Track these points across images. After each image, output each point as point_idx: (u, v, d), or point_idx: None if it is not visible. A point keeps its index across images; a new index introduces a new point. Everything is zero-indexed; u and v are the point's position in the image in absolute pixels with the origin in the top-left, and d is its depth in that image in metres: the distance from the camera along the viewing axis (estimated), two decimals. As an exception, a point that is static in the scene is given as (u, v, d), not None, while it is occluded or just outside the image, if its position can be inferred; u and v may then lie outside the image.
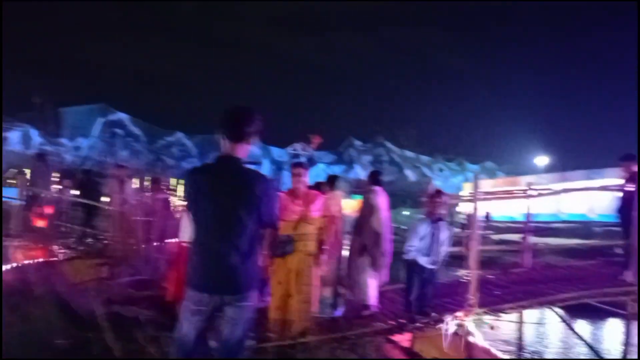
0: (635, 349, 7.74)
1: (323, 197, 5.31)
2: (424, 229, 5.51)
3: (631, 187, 7.08)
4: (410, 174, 56.68)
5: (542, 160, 43.68)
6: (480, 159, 66.67)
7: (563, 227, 19.84)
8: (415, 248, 5.51)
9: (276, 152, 57.21)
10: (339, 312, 6.07)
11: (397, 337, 6.85)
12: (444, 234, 5.61)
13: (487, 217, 30.04)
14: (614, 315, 9.31)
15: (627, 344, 6.34)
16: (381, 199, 6.09)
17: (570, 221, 23.56)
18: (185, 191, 3.12)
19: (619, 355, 6.90)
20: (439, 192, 5.84)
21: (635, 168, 7.17)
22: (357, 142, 61.29)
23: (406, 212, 34.29)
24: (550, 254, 15.88)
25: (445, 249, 5.65)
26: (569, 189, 23.93)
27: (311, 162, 7.43)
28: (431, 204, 5.60)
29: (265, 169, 49.66)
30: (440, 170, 62.32)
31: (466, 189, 38.96)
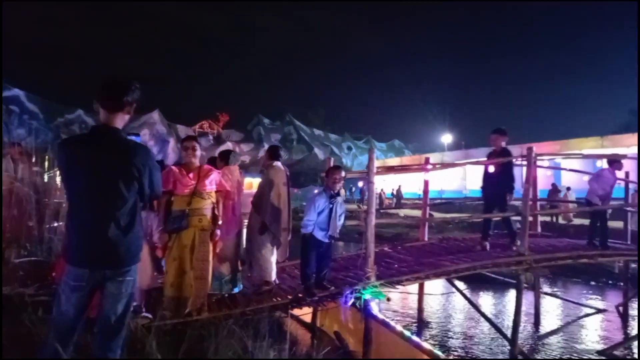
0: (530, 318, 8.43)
1: (217, 171, 5.13)
2: (322, 203, 5.51)
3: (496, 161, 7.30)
4: (320, 153, 57.18)
5: (447, 138, 46.22)
6: (388, 137, 69.10)
7: (467, 204, 20.88)
8: (313, 222, 5.49)
9: (182, 130, 55.30)
10: (238, 289, 5.95)
11: (297, 312, 6.92)
12: (341, 209, 5.65)
13: (398, 193, 31.32)
14: (509, 285, 10.09)
15: (517, 312, 6.77)
16: (280, 174, 6.00)
17: (473, 197, 24.86)
18: (58, 164, 2.93)
19: (509, 322, 7.38)
20: (337, 168, 5.84)
21: (503, 143, 7.42)
22: (266, 120, 60.64)
23: (316, 191, 34.69)
24: (455, 229, 16.94)
25: (340, 223, 5.69)
26: (449, 163, 25.46)
27: (218, 140, 7.21)
28: (330, 180, 5.59)
29: (171, 147, 47.94)
30: (349, 148, 63.59)
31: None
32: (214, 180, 4.95)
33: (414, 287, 8.84)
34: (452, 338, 8.10)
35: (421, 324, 8.67)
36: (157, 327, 4.58)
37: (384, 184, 32.47)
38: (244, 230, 6.22)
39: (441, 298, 10.18)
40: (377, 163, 6.59)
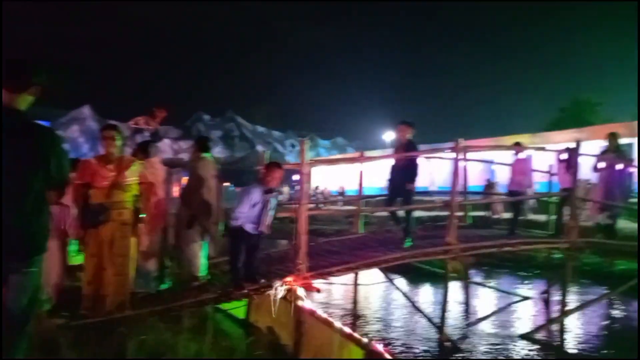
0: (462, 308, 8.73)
1: (139, 163, 4.97)
2: (257, 197, 5.42)
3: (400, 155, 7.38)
4: (262, 150, 56.98)
5: (389, 135, 47.14)
6: (331, 134, 69.72)
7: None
8: (244, 215, 5.41)
9: (117, 126, 53.42)
10: (166, 285, 5.82)
11: (229, 307, 6.84)
12: (273, 204, 5.60)
13: (342, 191, 31.73)
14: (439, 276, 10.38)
15: (444, 300, 6.99)
16: (209, 167, 5.91)
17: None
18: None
19: (437, 310, 7.54)
20: (276, 165, 5.79)
21: (409, 135, 7.43)
22: (206, 117, 59.71)
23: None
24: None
25: (270, 220, 5.63)
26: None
27: (155, 137, 6.99)
28: (268, 176, 5.52)
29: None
30: (293, 145, 63.67)
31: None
32: (136, 172, 4.79)
33: (348, 279, 9.00)
34: (386, 328, 8.27)
35: (356, 316, 8.79)
36: (75, 327, 4.42)
37: (329, 182, 32.83)
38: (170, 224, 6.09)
39: (378, 291, 10.37)
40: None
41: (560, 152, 8.77)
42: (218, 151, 58.06)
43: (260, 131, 62.40)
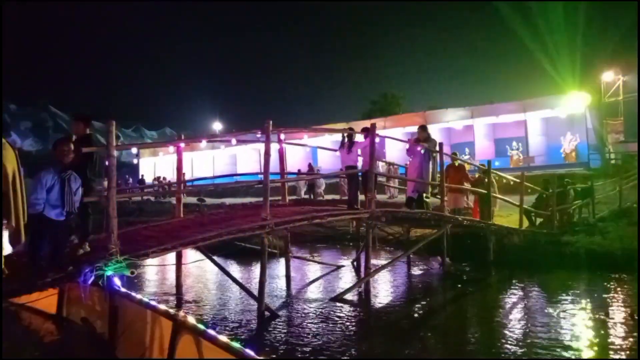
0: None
1: None
2: (49, 179, 5.11)
3: None
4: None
5: (217, 125, 47.02)
6: (159, 125, 66.69)
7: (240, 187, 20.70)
8: (42, 200, 5.07)
9: None
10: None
11: (39, 304, 6.35)
12: (75, 184, 5.33)
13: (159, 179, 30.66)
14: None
15: (262, 272, 7.32)
16: (8, 154, 5.39)
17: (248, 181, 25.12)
18: None
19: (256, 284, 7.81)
20: (64, 140, 5.51)
21: (87, 130, 6.44)
22: (12, 106, 52.83)
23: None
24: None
25: (77, 199, 5.38)
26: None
27: None
28: (59, 153, 5.24)
29: None
30: (117, 137, 59.45)
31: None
32: None
33: (167, 260, 8.97)
34: (205, 304, 8.41)
35: (180, 297, 8.77)
36: None
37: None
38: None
39: (199, 271, 10.48)
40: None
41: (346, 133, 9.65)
42: (29, 144, 51.90)
43: (78, 121, 57.17)
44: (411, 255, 11.10)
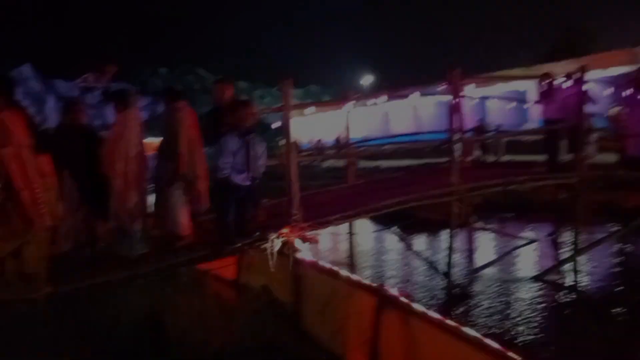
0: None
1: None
2: (233, 143, 5.35)
3: None
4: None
5: (367, 80, 46.25)
6: (304, 82, 68.92)
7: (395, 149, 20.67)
8: (229, 164, 5.35)
9: (62, 86, 51.85)
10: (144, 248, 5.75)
11: (220, 269, 6.90)
12: (259, 148, 5.51)
13: (339, 139, 31.31)
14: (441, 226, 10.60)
15: (450, 247, 7.17)
16: (189, 116, 5.82)
17: (401, 142, 24.97)
18: None
19: (439, 257, 7.75)
20: (244, 103, 5.69)
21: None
22: (163, 70, 58.34)
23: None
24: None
25: (262, 163, 5.60)
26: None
27: (107, 95, 6.77)
28: (236, 117, 5.43)
29: (51, 106, 44.90)
30: (262, 97, 62.84)
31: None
32: None
33: (341, 230, 9.16)
34: (388, 277, 8.48)
35: (354, 267, 8.95)
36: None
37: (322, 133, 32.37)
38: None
39: (372, 241, 10.58)
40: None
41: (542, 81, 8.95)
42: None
43: (224, 82, 61.39)
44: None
